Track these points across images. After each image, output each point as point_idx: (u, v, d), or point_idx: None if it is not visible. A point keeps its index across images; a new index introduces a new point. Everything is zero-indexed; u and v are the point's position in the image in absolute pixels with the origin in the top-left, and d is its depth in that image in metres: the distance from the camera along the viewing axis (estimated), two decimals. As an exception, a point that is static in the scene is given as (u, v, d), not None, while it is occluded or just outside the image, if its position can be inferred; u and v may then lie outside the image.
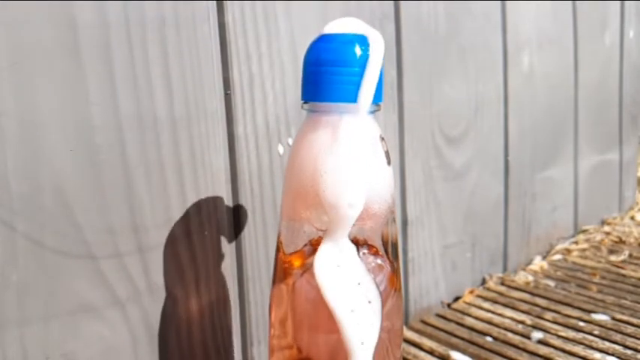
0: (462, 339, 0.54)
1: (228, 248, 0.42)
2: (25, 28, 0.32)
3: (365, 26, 0.30)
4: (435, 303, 0.60)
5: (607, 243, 0.77)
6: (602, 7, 0.79)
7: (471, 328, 0.56)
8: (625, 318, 0.55)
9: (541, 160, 0.72)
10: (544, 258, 0.73)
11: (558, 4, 0.72)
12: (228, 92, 0.41)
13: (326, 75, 0.29)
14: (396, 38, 0.53)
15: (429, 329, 0.56)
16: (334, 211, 0.29)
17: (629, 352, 0.49)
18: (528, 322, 0.56)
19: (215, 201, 0.41)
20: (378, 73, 0.29)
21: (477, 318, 0.58)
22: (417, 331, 0.56)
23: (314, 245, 0.30)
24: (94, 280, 0.36)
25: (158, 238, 0.38)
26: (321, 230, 0.30)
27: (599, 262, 0.71)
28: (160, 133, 0.37)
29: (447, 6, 0.57)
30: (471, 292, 0.63)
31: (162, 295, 0.39)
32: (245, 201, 0.42)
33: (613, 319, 0.56)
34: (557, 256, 0.73)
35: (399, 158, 0.54)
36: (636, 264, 0.70)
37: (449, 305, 0.61)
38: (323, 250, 0.29)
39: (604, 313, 0.57)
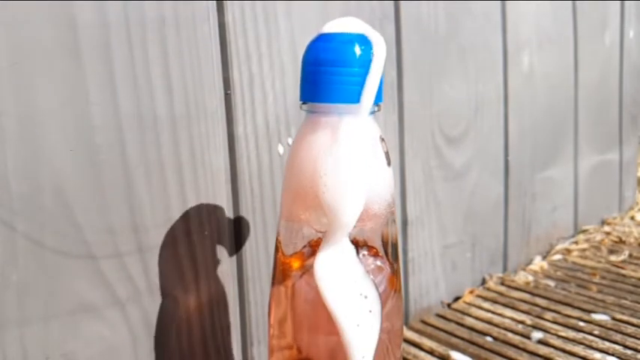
0: (462, 339, 0.54)
1: (228, 248, 0.42)
2: (25, 28, 0.32)
3: (365, 26, 0.29)
4: (435, 303, 0.60)
5: (607, 243, 0.77)
6: (602, 7, 0.79)
7: (471, 328, 0.56)
8: (625, 318, 0.55)
9: (541, 160, 0.72)
10: (544, 258, 0.73)
11: (558, 3, 0.72)
12: (228, 92, 0.41)
13: (325, 75, 0.28)
14: (396, 38, 0.53)
15: (429, 329, 0.56)
16: (334, 212, 0.28)
17: (629, 352, 0.49)
18: (528, 322, 0.56)
19: (215, 201, 0.41)
20: (380, 75, 0.29)
21: (477, 318, 0.58)
22: (417, 331, 0.56)
23: (313, 247, 0.30)
24: (94, 280, 0.36)
25: (158, 238, 0.38)
26: (321, 232, 0.30)
27: (599, 262, 0.71)
28: (159, 133, 0.37)
29: (447, 6, 0.57)
30: (471, 292, 0.63)
31: (162, 294, 0.39)
32: (245, 201, 0.42)
33: (613, 319, 0.56)
34: (557, 256, 0.73)
35: (399, 158, 0.54)
36: (636, 264, 0.70)
37: (449, 305, 0.61)
38: (323, 252, 0.29)
39: (604, 313, 0.57)
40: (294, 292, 0.30)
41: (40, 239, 0.33)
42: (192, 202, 0.39)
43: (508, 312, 0.58)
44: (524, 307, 0.59)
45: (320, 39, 0.29)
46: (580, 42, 0.75)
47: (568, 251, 0.75)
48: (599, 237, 0.79)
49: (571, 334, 0.53)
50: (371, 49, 0.28)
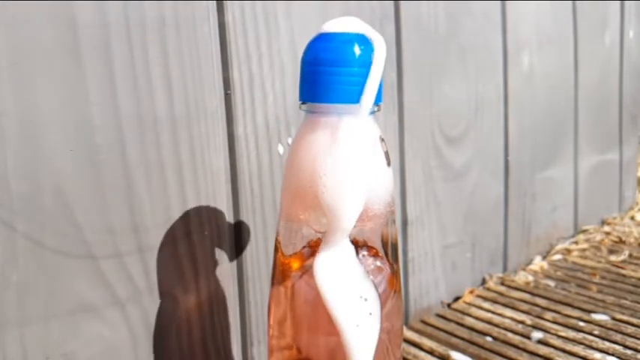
0: (462, 339, 0.54)
1: (228, 248, 0.42)
2: (25, 28, 0.32)
3: (365, 26, 0.29)
4: (435, 303, 0.60)
5: (607, 243, 0.77)
6: (602, 7, 0.79)
7: (471, 328, 0.56)
8: (625, 318, 0.55)
9: (541, 160, 0.72)
10: (544, 258, 0.73)
11: (558, 3, 0.72)
12: (228, 92, 0.41)
13: (324, 75, 0.28)
14: (396, 38, 0.53)
15: (429, 329, 0.56)
16: (333, 213, 0.28)
17: (629, 352, 0.49)
18: (528, 322, 0.56)
19: (215, 201, 0.41)
20: (381, 75, 0.29)
21: (477, 318, 0.58)
22: (417, 331, 0.56)
23: (313, 247, 0.30)
24: (94, 280, 0.36)
25: (158, 238, 0.38)
26: (320, 232, 0.29)
27: (599, 262, 0.71)
28: (159, 133, 0.37)
29: (447, 6, 0.57)
30: (471, 292, 0.63)
31: (162, 295, 0.39)
32: (245, 201, 0.42)
33: (613, 319, 0.56)
34: (557, 256, 0.73)
35: (399, 158, 0.54)
36: (636, 264, 0.70)
37: (449, 305, 0.61)
38: (322, 253, 0.29)
39: (604, 313, 0.57)
40: (294, 292, 0.30)
41: (40, 239, 0.33)
42: (192, 202, 0.39)
43: (508, 312, 0.58)
44: (524, 307, 0.59)
45: (319, 39, 0.29)
46: (580, 42, 0.75)
47: (568, 251, 0.75)
48: (599, 237, 0.79)
49: (571, 334, 0.53)
50: (370, 48, 0.28)
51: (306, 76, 0.29)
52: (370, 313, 0.29)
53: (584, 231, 0.80)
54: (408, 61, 0.54)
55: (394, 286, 0.31)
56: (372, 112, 0.30)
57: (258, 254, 0.44)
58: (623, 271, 0.68)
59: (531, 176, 0.71)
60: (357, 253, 0.29)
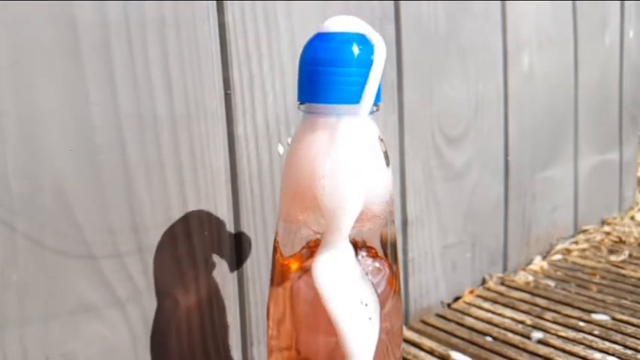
0: (462, 339, 0.54)
1: (228, 248, 0.42)
2: (25, 28, 0.32)
3: (364, 25, 0.29)
4: (435, 303, 0.60)
5: (607, 243, 0.77)
6: (602, 7, 0.79)
7: (471, 328, 0.56)
8: (625, 318, 0.55)
9: (541, 160, 0.72)
10: (544, 258, 0.73)
11: (558, 3, 0.72)
12: (228, 92, 0.41)
13: (323, 75, 0.28)
14: (396, 38, 0.53)
15: (429, 329, 0.56)
16: (332, 214, 0.28)
17: (629, 352, 0.49)
18: (528, 322, 0.56)
19: (215, 201, 0.41)
20: (380, 76, 0.28)
21: (477, 318, 0.58)
22: (417, 331, 0.56)
23: (312, 248, 0.30)
24: (94, 280, 0.36)
25: (158, 238, 0.38)
26: (319, 233, 0.29)
27: (599, 262, 0.71)
28: (159, 133, 0.37)
29: (447, 6, 0.57)
30: (471, 292, 0.63)
31: (162, 295, 0.39)
32: (245, 201, 0.42)
33: (613, 319, 0.56)
34: (557, 256, 0.73)
35: (399, 158, 0.54)
36: (636, 264, 0.70)
37: (449, 305, 0.61)
38: (321, 254, 0.29)
39: (604, 313, 0.57)
40: (293, 293, 0.30)
41: (40, 239, 0.33)
42: (192, 202, 0.39)
43: (508, 312, 0.58)
44: (524, 307, 0.59)
45: (317, 38, 0.29)
46: (580, 42, 0.75)
47: (568, 251, 0.75)
48: (599, 237, 0.79)
49: (571, 334, 0.53)
50: (369, 48, 0.28)
51: (304, 76, 0.29)
52: (370, 318, 0.29)
53: (584, 231, 0.80)
54: (408, 61, 0.54)
55: (393, 286, 0.31)
56: (371, 113, 0.29)
57: (258, 254, 0.44)
58: (623, 271, 0.68)
59: (531, 176, 0.71)
60: (357, 253, 0.29)
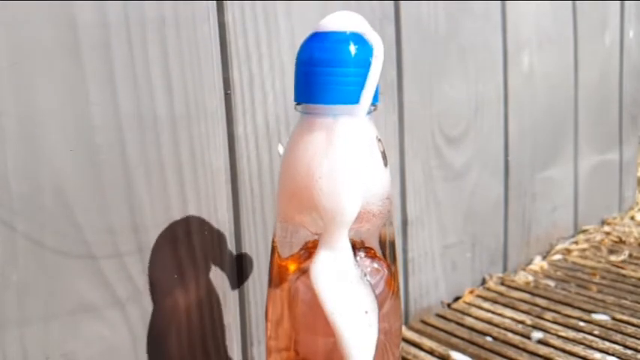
0: (462, 339, 0.54)
1: (228, 248, 0.42)
2: (25, 28, 0.32)
3: (363, 22, 0.28)
4: (435, 303, 0.60)
5: (607, 243, 0.77)
6: (602, 6, 0.79)
7: (471, 328, 0.56)
8: (625, 318, 0.55)
9: (541, 160, 0.72)
10: (544, 258, 0.73)
11: (558, 3, 0.72)
12: (228, 92, 0.41)
13: (320, 76, 0.27)
14: (396, 38, 0.53)
15: (429, 329, 0.56)
16: (330, 215, 0.28)
17: (629, 352, 0.49)
18: (528, 322, 0.56)
19: (215, 201, 0.41)
20: (378, 76, 0.28)
21: (477, 318, 0.58)
22: (417, 331, 0.56)
23: (309, 249, 0.30)
24: (94, 280, 0.36)
25: (158, 238, 0.38)
26: (317, 234, 0.29)
27: (599, 262, 0.71)
28: (159, 133, 0.37)
29: (447, 6, 0.57)
30: (471, 292, 0.63)
31: (162, 295, 0.39)
32: (245, 201, 0.42)
33: (613, 319, 0.56)
34: (557, 256, 0.73)
35: (399, 158, 0.54)
36: (636, 264, 0.70)
37: (449, 305, 0.61)
38: (319, 255, 0.29)
39: (604, 313, 0.57)
40: (291, 294, 0.30)
41: (40, 239, 0.33)
42: (192, 202, 0.39)
43: (508, 312, 0.58)
44: (524, 307, 0.59)
45: (314, 38, 0.28)
46: (580, 42, 0.75)
47: (568, 251, 0.75)
48: (599, 237, 0.79)
49: (571, 334, 0.53)
50: (366, 48, 0.27)
51: (301, 76, 0.28)
52: (366, 312, 0.29)
53: (584, 231, 0.80)
54: (408, 61, 0.54)
55: (392, 287, 0.31)
56: (369, 113, 0.29)
57: (258, 254, 0.44)
58: (623, 271, 0.68)
59: (531, 176, 0.71)
60: (355, 254, 0.29)
